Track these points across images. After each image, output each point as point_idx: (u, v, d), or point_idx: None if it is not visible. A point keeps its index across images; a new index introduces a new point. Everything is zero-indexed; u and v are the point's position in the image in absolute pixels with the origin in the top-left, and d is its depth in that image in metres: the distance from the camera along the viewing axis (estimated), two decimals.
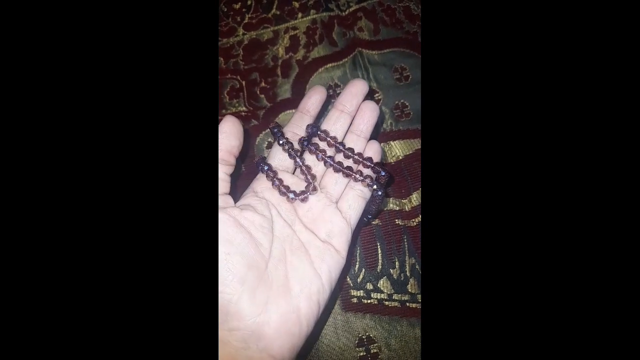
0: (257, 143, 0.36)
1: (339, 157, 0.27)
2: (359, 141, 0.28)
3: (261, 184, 0.26)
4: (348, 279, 0.31)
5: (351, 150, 0.27)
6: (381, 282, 0.31)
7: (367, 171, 0.27)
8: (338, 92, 0.37)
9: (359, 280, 0.31)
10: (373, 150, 0.28)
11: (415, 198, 0.33)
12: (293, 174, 0.27)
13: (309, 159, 0.28)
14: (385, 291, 0.31)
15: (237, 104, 0.37)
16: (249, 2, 0.41)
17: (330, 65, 0.38)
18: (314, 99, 0.28)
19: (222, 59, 0.39)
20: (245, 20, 0.40)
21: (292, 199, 0.26)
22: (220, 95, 0.38)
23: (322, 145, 0.28)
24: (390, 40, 0.38)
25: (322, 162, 0.27)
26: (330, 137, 0.27)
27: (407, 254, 0.31)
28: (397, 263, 0.31)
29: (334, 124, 0.28)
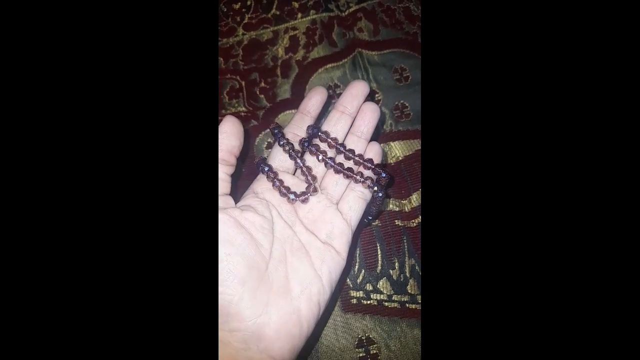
0: (256, 143, 0.36)
1: (340, 159, 0.27)
2: (360, 142, 0.28)
3: (262, 184, 0.26)
4: (348, 280, 0.31)
5: (352, 151, 0.27)
6: (381, 283, 0.31)
7: (367, 172, 0.27)
8: (338, 92, 0.37)
9: (358, 281, 0.31)
10: (374, 152, 0.28)
11: (415, 199, 0.33)
12: (293, 174, 0.27)
13: (310, 160, 0.28)
14: (384, 292, 0.31)
15: (236, 104, 0.37)
16: (248, 2, 0.41)
17: (330, 65, 0.38)
18: (314, 99, 0.28)
19: (221, 59, 0.39)
20: (245, 21, 0.40)
21: (292, 199, 0.26)
22: (220, 96, 0.38)
23: (323, 146, 0.28)
24: (390, 41, 0.38)
25: (323, 163, 0.27)
26: (331, 139, 0.27)
27: (406, 255, 0.31)
28: (396, 264, 0.31)
29: (335, 125, 0.28)
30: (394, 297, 0.31)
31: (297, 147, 0.27)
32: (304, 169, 0.27)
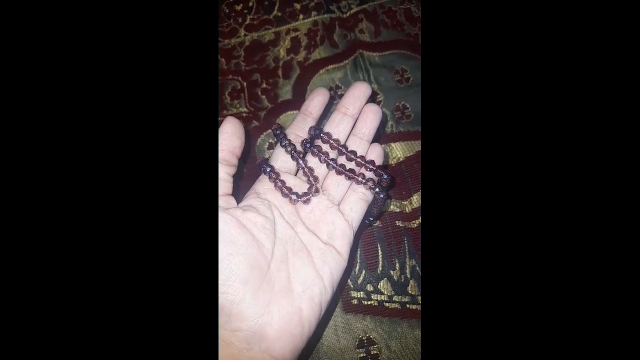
0: (258, 144, 0.36)
1: (342, 160, 0.28)
2: (362, 144, 0.28)
3: (263, 185, 0.26)
4: (348, 281, 0.31)
5: (354, 152, 0.27)
6: (381, 283, 0.31)
7: (369, 174, 0.27)
8: (339, 94, 0.37)
9: (359, 281, 0.31)
10: (375, 153, 0.28)
11: (416, 200, 0.33)
12: (295, 175, 0.28)
13: (312, 161, 0.28)
14: (385, 293, 0.31)
15: (238, 105, 0.37)
16: (250, 4, 0.41)
17: (331, 66, 0.38)
18: (316, 101, 0.28)
19: (223, 59, 0.39)
20: (247, 22, 0.40)
21: (294, 200, 0.26)
22: (221, 96, 0.38)
23: (325, 147, 0.28)
24: (391, 42, 0.38)
25: (325, 165, 0.27)
26: (333, 140, 0.27)
27: (407, 256, 0.32)
28: (397, 265, 0.31)
29: (337, 127, 0.28)
30: (395, 298, 0.31)
31: (299, 148, 0.27)
32: (306, 169, 0.27)
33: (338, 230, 0.26)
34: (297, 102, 0.37)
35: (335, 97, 0.37)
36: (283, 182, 0.26)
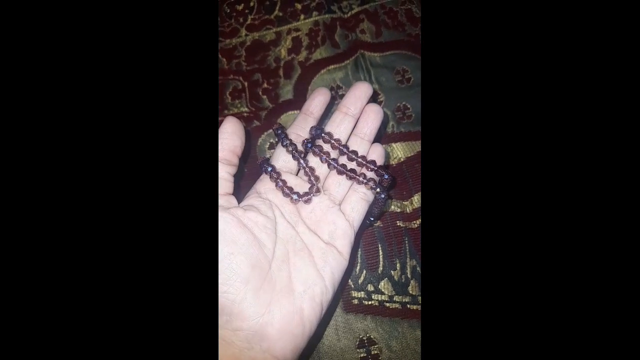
0: (259, 144, 0.36)
1: (343, 160, 0.28)
2: (363, 144, 0.28)
3: (265, 184, 0.26)
4: (349, 281, 0.31)
5: (355, 153, 0.27)
6: (382, 283, 0.31)
7: (370, 174, 0.27)
8: (340, 94, 0.37)
9: (360, 281, 0.31)
10: (377, 154, 0.28)
11: (417, 200, 0.33)
12: (296, 175, 0.28)
13: (313, 160, 0.28)
14: (386, 293, 0.31)
15: (239, 105, 0.37)
16: (251, 4, 0.41)
17: (332, 67, 0.38)
18: (317, 100, 0.28)
19: (224, 59, 0.39)
20: (248, 22, 0.40)
21: (295, 200, 0.26)
22: (222, 96, 0.38)
23: (326, 147, 0.28)
24: (392, 43, 0.38)
25: (326, 164, 0.27)
26: (334, 140, 0.27)
27: (408, 256, 0.32)
28: (398, 265, 0.31)
29: (338, 127, 0.28)
30: (395, 298, 0.31)
31: (300, 147, 0.27)
32: (307, 169, 0.27)
33: (339, 230, 0.26)
34: (298, 102, 0.37)
35: (336, 97, 0.37)
36: (284, 181, 0.26)
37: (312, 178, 0.27)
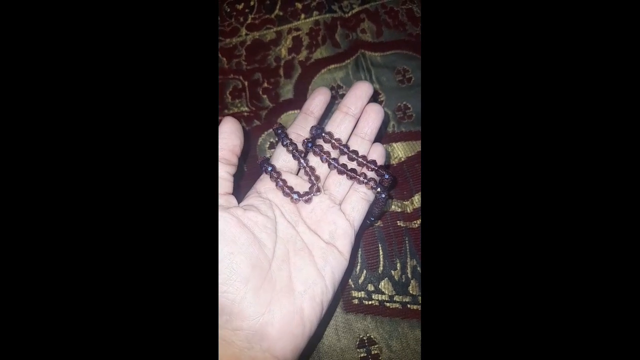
0: (259, 143, 0.36)
1: (343, 159, 0.28)
2: (363, 144, 0.28)
3: (265, 184, 0.26)
4: (349, 280, 0.31)
5: (355, 152, 0.27)
6: (382, 283, 0.31)
7: (370, 174, 0.27)
8: (340, 93, 0.37)
9: (360, 281, 0.31)
10: (377, 153, 0.28)
11: (417, 200, 0.33)
12: (297, 175, 0.27)
13: (313, 160, 0.28)
14: (386, 292, 0.31)
15: (239, 104, 0.37)
16: (252, 3, 0.41)
17: (333, 66, 0.38)
18: (317, 100, 0.28)
19: (224, 59, 0.39)
20: (248, 21, 0.40)
21: (295, 199, 0.26)
22: (222, 96, 0.38)
23: (326, 147, 0.28)
24: (392, 42, 0.38)
25: (326, 164, 0.27)
26: (335, 139, 0.27)
27: (408, 256, 0.31)
28: (398, 265, 0.31)
29: (339, 126, 0.28)
30: (396, 298, 0.31)
31: (300, 147, 0.27)
32: (307, 169, 0.27)
33: (339, 229, 0.26)
34: (298, 101, 0.37)
35: (336, 97, 0.37)
36: (284, 181, 0.26)
37: (313, 178, 0.27)
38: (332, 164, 0.27)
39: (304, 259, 0.24)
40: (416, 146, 0.34)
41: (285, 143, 0.27)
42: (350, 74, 0.38)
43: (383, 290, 0.31)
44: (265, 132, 0.36)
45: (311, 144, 0.27)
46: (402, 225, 0.32)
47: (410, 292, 0.31)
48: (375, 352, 0.29)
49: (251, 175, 0.34)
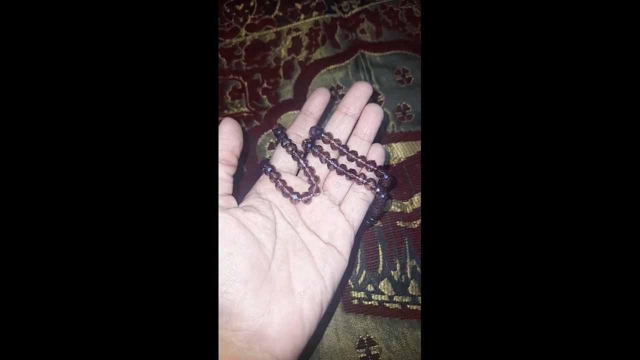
0: (259, 144, 0.36)
1: (343, 160, 0.28)
2: (363, 144, 0.28)
3: (264, 185, 0.26)
4: (349, 281, 0.31)
5: (354, 153, 0.27)
6: (382, 283, 0.31)
7: (370, 174, 0.27)
8: (340, 94, 0.37)
9: (359, 281, 0.31)
10: (377, 154, 0.28)
11: (417, 200, 0.33)
12: (296, 175, 0.28)
13: (312, 161, 0.28)
14: (386, 293, 0.31)
15: (239, 105, 0.37)
16: (251, 3, 0.41)
17: (333, 67, 0.38)
18: (317, 101, 0.28)
19: (224, 59, 0.39)
20: (248, 21, 0.40)
21: (295, 200, 0.26)
22: (222, 96, 0.38)
23: (326, 147, 0.28)
24: (392, 43, 0.38)
25: (326, 165, 0.27)
26: (334, 140, 0.27)
27: (408, 256, 0.32)
28: (398, 265, 0.31)
29: (338, 127, 0.28)
30: (395, 298, 0.31)
31: (299, 148, 0.27)
32: (307, 169, 0.27)
33: (339, 230, 0.26)
34: (298, 102, 0.37)
35: (336, 97, 0.37)
36: (284, 182, 0.26)
37: (312, 178, 0.27)
38: (332, 164, 0.27)
39: (304, 260, 0.24)
40: (416, 146, 0.34)
41: (284, 144, 0.27)
42: (350, 74, 0.38)
43: (383, 290, 0.31)
44: (265, 133, 0.36)
45: (310, 145, 0.27)
46: (401, 225, 0.32)
47: (410, 292, 0.31)
48: (375, 352, 0.29)
49: (251, 176, 0.34)
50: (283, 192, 0.26)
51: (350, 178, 0.27)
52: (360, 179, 0.26)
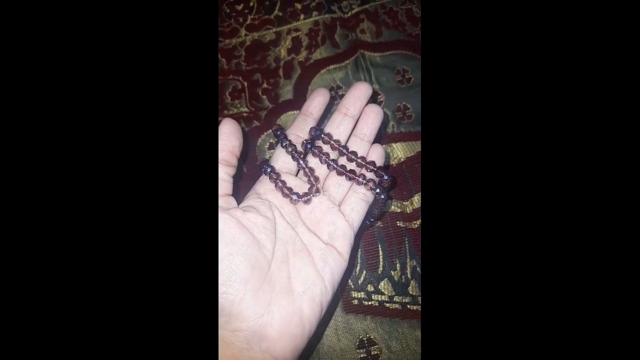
0: (258, 144, 0.36)
1: (342, 160, 0.28)
2: (363, 145, 0.28)
3: (264, 185, 0.26)
4: (349, 281, 0.31)
5: (354, 153, 0.27)
6: (382, 284, 0.31)
7: (370, 175, 0.27)
8: (340, 94, 0.37)
9: (360, 282, 0.31)
10: (377, 154, 0.28)
11: (417, 200, 0.33)
12: (296, 176, 0.27)
13: (312, 161, 0.28)
14: (386, 293, 0.31)
15: (239, 105, 0.37)
16: (251, 4, 0.41)
17: (332, 67, 0.38)
18: (317, 101, 0.28)
19: (224, 59, 0.39)
20: (248, 22, 0.40)
21: (295, 200, 0.26)
22: (222, 96, 0.38)
23: (326, 148, 0.28)
24: (392, 43, 0.38)
25: (325, 165, 0.27)
26: (334, 141, 0.27)
27: (408, 256, 0.31)
28: (398, 265, 0.31)
29: (338, 127, 0.28)
30: (395, 298, 0.31)
31: (299, 148, 0.27)
32: (307, 170, 0.27)
33: (339, 230, 0.26)
34: (298, 102, 0.37)
35: (336, 98, 0.37)
36: (284, 182, 0.26)
37: (312, 178, 0.27)
38: (332, 165, 0.27)
39: (303, 260, 0.24)
40: (416, 146, 0.34)
41: (284, 144, 0.27)
42: (350, 74, 0.38)
43: (383, 290, 0.31)
44: (265, 133, 0.36)
45: (310, 145, 0.27)
46: (401, 225, 0.32)
47: (410, 292, 0.31)
48: (375, 352, 0.29)
49: (250, 176, 0.34)
50: (283, 193, 0.26)
51: (350, 178, 0.27)
52: (360, 179, 0.26)
